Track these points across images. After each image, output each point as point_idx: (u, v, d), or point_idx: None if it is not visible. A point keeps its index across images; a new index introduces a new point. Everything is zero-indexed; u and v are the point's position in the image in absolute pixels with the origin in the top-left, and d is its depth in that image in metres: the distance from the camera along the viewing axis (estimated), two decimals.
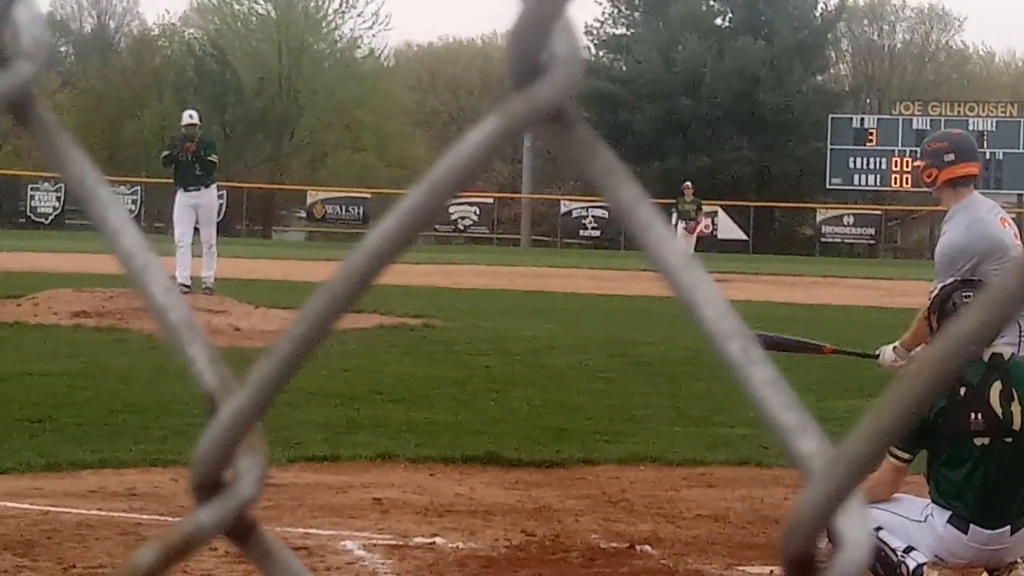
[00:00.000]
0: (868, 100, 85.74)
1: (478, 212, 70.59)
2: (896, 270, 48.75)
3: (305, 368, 0.76)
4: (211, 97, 70.74)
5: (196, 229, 23.13)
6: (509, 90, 0.71)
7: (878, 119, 72.10)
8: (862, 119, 72.96)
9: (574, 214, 69.53)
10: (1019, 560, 6.92)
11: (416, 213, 0.71)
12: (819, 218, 71.15)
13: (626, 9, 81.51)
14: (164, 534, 0.77)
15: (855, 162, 70.40)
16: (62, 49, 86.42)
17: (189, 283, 22.40)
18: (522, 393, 14.30)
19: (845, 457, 0.63)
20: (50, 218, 66.76)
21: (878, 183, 70.85)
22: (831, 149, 70.58)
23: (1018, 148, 66.40)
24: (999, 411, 6.73)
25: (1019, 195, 66.68)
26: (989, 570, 6.98)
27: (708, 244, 49.48)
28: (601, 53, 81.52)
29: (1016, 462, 6.75)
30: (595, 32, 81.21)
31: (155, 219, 62.52)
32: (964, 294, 6.96)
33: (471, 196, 67.64)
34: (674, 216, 41.83)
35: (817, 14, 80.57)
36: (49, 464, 10.06)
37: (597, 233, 68.61)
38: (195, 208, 23.15)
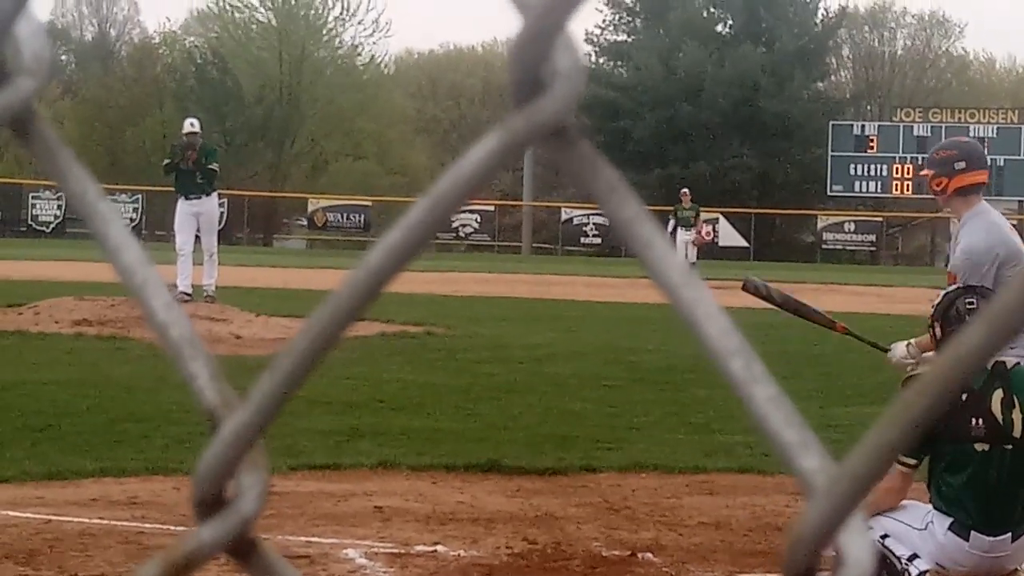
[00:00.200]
0: (869, 107, 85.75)
1: (479, 220, 70.58)
2: (897, 277, 48.75)
3: None
4: (212, 105, 70.75)
5: (197, 237, 23.12)
6: (511, 105, 0.71)
7: (879, 126, 72.09)
8: (863, 126, 72.95)
9: (575, 222, 69.49)
10: (1020, 567, 6.91)
11: (418, 229, 0.71)
12: (820, 225, 71.13)
13: (627, 16, 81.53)
14: (166, 551, 0.77)
15: (856, 169, 70.38)
16: (63, 57, 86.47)
17: (190, 291, 22.40)
18: (523, 401, 14.30)
19: (848, 474, 0.63)
20: (51, 226, 66.74)
21: (879, 190, 70.83)
22: (832, 156, 70.57)
23: (1019, 155, 66.38)
24: (1000, 418, 6.73)
25: (1020, 201, 66.64)
26: None
27: (709, 251, 49.47)
28: (602, 60, 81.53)
29: (1016, 469, 6.74)
30: (596, 39, 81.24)
31: (156, 227, 62.54)
32: (967, 300, 6.94)
33: (472, 204, 67.48)
34: (671, 223, 41.87)
35: (818, 21, 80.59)
36: (51, 473, 10.06)
37: (598, 241, 68.58)
38: (196, 216, 23.15)
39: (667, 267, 0.69)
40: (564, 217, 70.34)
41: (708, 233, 47.76)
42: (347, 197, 71.65)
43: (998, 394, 6.73)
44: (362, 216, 71.94)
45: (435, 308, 24.90)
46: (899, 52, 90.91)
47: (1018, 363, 6.80)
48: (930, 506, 6.91)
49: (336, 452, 11.10)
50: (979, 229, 7.92)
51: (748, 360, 0.67)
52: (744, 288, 8.96)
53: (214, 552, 0.77)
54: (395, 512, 9.29)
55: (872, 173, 70.24)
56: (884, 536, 6.80)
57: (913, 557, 6.79)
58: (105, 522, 8.74)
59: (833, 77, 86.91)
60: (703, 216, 45.60)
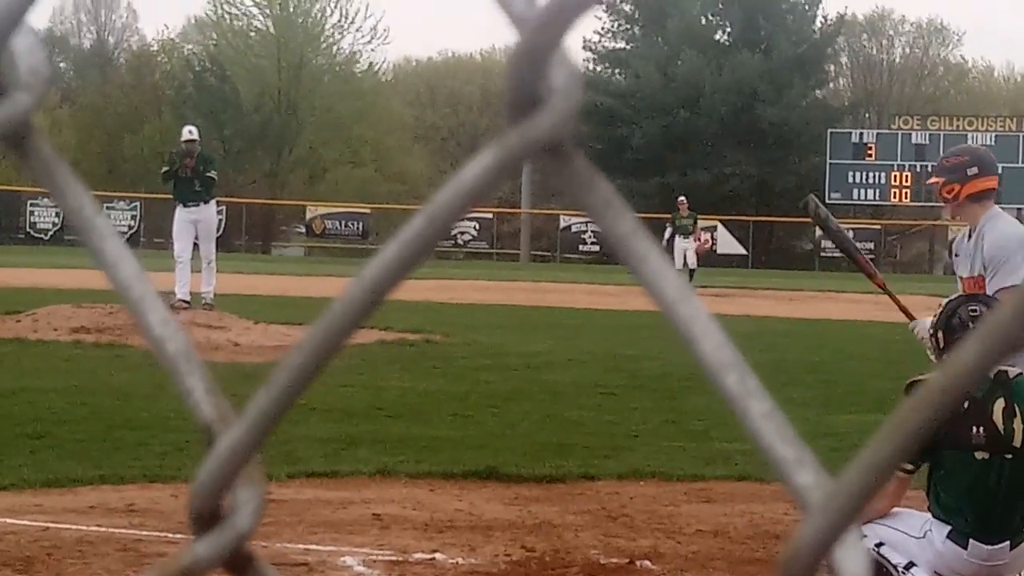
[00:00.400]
0: (867, 115, 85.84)
1: (477, 227, 70.64)
2: (895, 284, 48.47)
3: None
4: (210, 113, 70.80)
5: (196, 244, 23.12)
6: (507, 121, 0.71)
7: (877, 133, 72.16)
8: (861, 134, 73.00)
9: (573, 229, 69.52)
10: None
11: (414, 244, 0.71)
12: (818, 232, 71.09)
13: (625, 23, 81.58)
14: (161, 565, 0.77)
15: (854, 176, 70.43)
16: (61, 65, 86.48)
17: (188, 299, 22.39)
18: (521, 408, 14.30)
19: (843, 490, 0.63)
20: (49, 234, 66.69)
21: (877, 197, 70.89)
22: (830, 163, 70.62)
23: (1017, 162, 66.38)
24: (1001, 427, 6.72)
25: (1019, 209, 66.59)
26: None
27: (707, 259, 49.47)
28: (600, 67, 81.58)
29: (1016, 478, 6.73)
30: (594, 46, 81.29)
31: (155, 234, 62.54)
32: (971, 308, 6.92)
33: (470, 212, 67.41)
34: (668, 231, 41.91)
35: (816, 28, 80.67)
36: (49, 480, 10.05)
37: (596, 248, 68.59)
38: (194, 223, 23.15)
39: (663, 282, 0.69)
40: (562, 225, 70.37)
41: (707, 241, 47.74)
42: (345, 205, 71.72)
43: (1000, 403, 6.72)
44: (360, 224, 71.99)
45: (433, 316, 24.89)
46: (897, 60, 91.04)
47: (1021, 373, 6.79)
48: (928, 514, 6.90)
49: (334, 460, 11.10)
50: (1006, 223, 7.93)
51: (743, 374, 0.67)
52: (803, 206, 8.79)
53: (210, 567, 0.77)
54: (393, 520, 9.29)
55: (870, 181, 70.30)
56: (879, 544, 6.79)
57: (910, 565, 6.78)
58: (103, 529, 8.74)
59: (831, 85, 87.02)
60: (701, 224, 45.63)
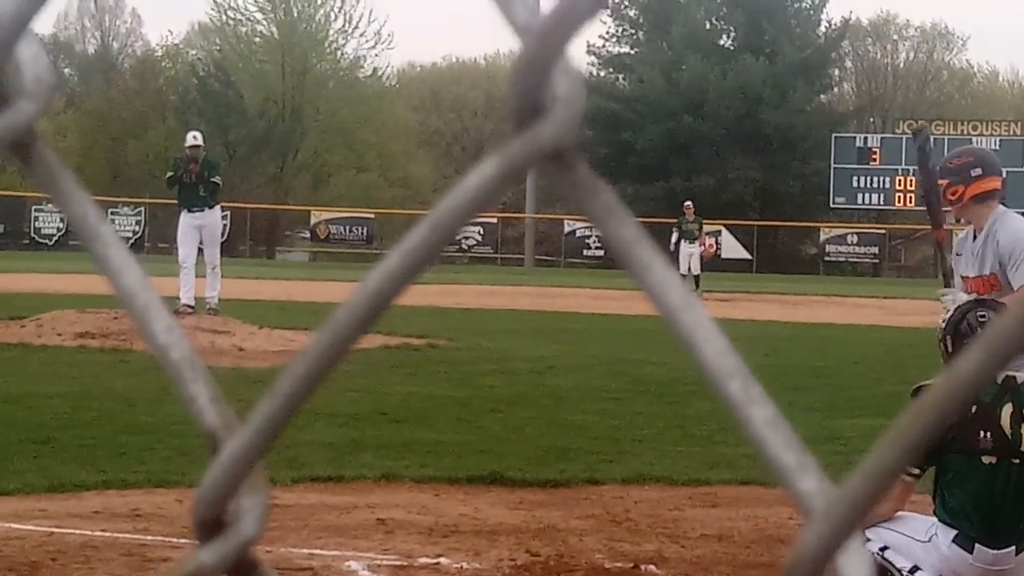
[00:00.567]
0: (872, 119, 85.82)
1: (482, 232, 70.64)
2: (900, 289, 48.74)
3: None
4: (214, 118, 70.86)
5: (200, 250, 23.14)
6: (510, 129, 0.71)
7: (881, 138, 72.20)
8: (865, 138, 73.05)
9: (578, 233, 69.52)
10: None
11: (417, 254, 0.71)
12: (822, 237, 71.18)
13: (629, 28, 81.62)
14: (166, 573, 0.77)
15: (858, 181, 70.46)
16: (66, 70, 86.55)
17: (193, 304, 22.40)
18: (526, 413, 14.30)
19: (846, 497, 0.63)
20: (54, 239, 66.72)
21: (882, 202, 70.91)
22: (834, 168, 70.65)
23: (1021, 167, 66.35)
24: (1008, 432, 6.72)
25: (1023, 213, 66.60)
26: None
27: (712, 263, 49.49)
28: (604, 72, 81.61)
29: (1023, 483, 6.73)
30: (598, 51, 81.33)
31: (159, 240, 62.57)
32: (979, 313, 6.92)
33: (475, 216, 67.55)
34: (675, 236, 41.89)
35: (820, 33, 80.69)
36: (53, 485, 10.05)
37: (601, 252, 68.57)
38: (199, 229, 23.17)
39: (666, 290, 0.69)
40: (567, 229, 70.38)
41: (711, 246, 47.78)
42: (350, 210, 71.73)
43: (1008, 408, 6.72)
44: (365, 228, 72.03)
45: (438, 320, 24.90)
46: (902, 64, 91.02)
47: None
48: (934, 518, 6.90)
49: (339, 464, 11.10)
50: (1016, 219, 7.90)
51: (746, 382, 0.67)
52: (914, 131, 8.55)
53: (214, 575, 0.77)
54: (398, 524, 9.29)
55: (875, 185, 70.33)
56: (883, 548, 6.78)
57: (914, 570, 6.78)
58: (108, 534, 8.74)
59: (836, 89, 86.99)
60: (705, 228, 45.67)
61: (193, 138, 23.88)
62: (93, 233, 0.82)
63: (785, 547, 8.51)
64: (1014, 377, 6.73)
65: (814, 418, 13.59)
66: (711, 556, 8.76)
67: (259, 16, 78.28)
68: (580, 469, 11.27)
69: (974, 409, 6.60)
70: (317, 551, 8.49)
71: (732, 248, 68.08)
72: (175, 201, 24.05)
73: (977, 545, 6.75)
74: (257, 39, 78.90)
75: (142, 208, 68.03)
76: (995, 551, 6.75)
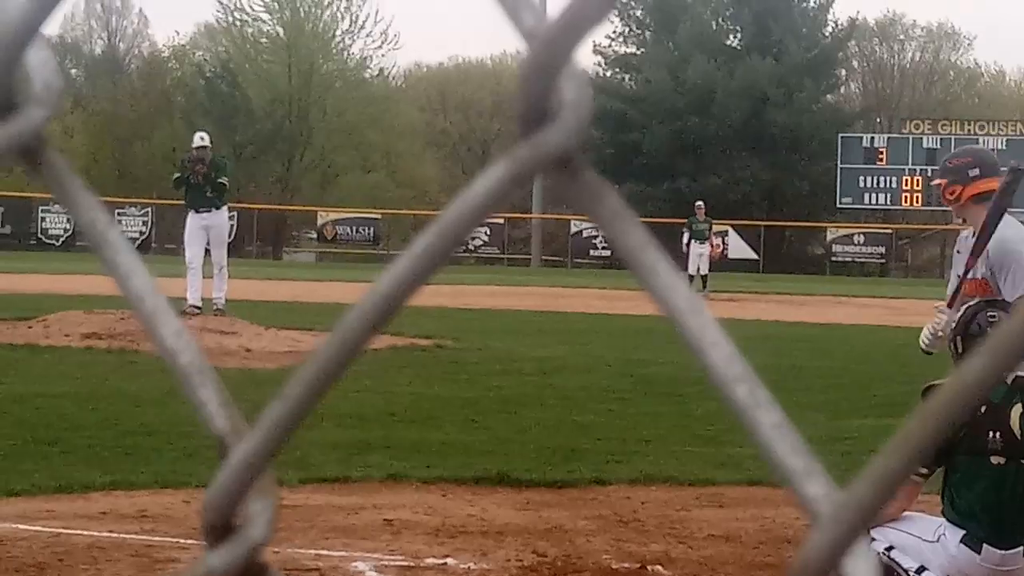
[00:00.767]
0: (878, 119, 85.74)
1: (488, 232, 70.59)
2: (906, 289, 48.68)
3: None
4: (221, 118, 70.86)
5: (207, 250, 23.16)
6: (518, 134, 0.71)
7: (888, 138, 72.13)
8: (872, 138, 72.99)
9: (584, 234, 69.44)
10: None
11: (425, 259, 0.72)
12: (829, 237, 71.11)
13: (636, 28, 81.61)
14: None
15: (865, 181, 70.41)
16: (73, 72, 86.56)
17: (200, 304, 22.42)
18: (533, 413, 14.30)
19: (853, 501, 0.63)
20: (61, 240, 66.73)
21: (888, 202, 70.85)
22: (841, 168, 70.60)
23: None
24: (1018, 432, 6.71)
25: None
26: None
27: (719, 264, 49.44)
28: (611, 72, 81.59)
29: None
30: (605, 51, 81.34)
31: (166, 240, 62.63)
32: (989, 314, 6.91)
33: None
34: (686, 236, 41.85)
35: (827, 33, 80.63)
36: (60, 486, 10.06)
37: (607, 253, 68.52)
38: (206, 229, 23.20)
39: (673, 294, 0.69)
40: (574, 230, 70.31)
41: (718, 246, 47.77)
42: (356, 210, 71.71)
43: (1017, 409, 6.71)
44: (371, 229, 72.04)
45: (445, 321, 24.89)
46: (908, 64, 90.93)
47: None
48: (942, 518, 6.89)
49: (346, 465, 11.10)
50: (1008, 227, 7.82)
51: (753, 387, 0.68)
52: (1012, 169, 8.18)
53: None
54: (405, 525, 9.29)
55: (882, 185, 70.27)
56: (889, 548, 6.78)
57: (921, 570, 6.78)
58: (115, 535, 8.74)
59: (842, 89, 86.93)
60: (714, 229, 45.65)
61: (200, 139, 23.90)
62: (102, 238, 0.83)
63: (792, 548, 8.51)
64: (1023, 378, 6.72)
65: (821, 418, 13.60)
66: (718, 557, 8.76)
67: (265, 17, 78.35)
68: (587, 469, 11.28)
69: (983, 410, 6.59)
70: (324, 552, 8.49)
71: (739, 248, 68.04)
72: (182, 202, 24.08)
73: (985, 546, 6.75)
74: (264, 40, 78.93)
75: (149, 209, 68.08)
76: (1003, 552, 6.75)
